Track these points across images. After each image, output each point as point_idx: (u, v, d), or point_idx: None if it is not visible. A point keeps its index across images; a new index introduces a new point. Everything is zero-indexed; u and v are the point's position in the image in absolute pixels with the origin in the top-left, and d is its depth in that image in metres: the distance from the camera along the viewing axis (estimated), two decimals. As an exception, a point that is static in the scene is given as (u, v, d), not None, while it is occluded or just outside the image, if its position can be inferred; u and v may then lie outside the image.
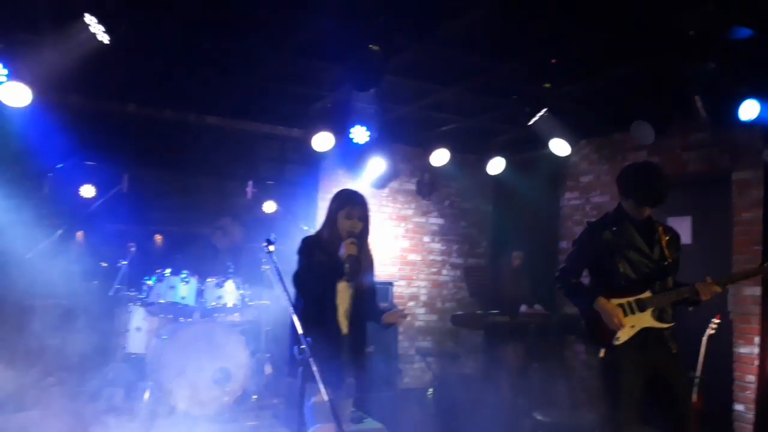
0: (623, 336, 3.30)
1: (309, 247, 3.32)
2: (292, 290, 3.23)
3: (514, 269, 6.44)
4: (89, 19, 3.82)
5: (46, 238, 4.94)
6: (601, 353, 3.34)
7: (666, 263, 3.41)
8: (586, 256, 3.48)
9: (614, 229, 3.44)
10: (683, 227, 5.73)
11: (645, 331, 3.31)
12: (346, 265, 3.16)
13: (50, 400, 4.92)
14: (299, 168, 6.60)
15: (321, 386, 2.64)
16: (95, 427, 4.49)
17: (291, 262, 4.06)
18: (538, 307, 6.15)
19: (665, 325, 3.34)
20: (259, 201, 6.24)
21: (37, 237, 5.19)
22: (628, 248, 3.41)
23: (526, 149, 6.69)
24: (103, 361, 5.35)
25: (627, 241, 3.42)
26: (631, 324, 3.31)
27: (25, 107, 4.77)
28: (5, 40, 4.46)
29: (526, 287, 6.34)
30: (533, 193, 7.04)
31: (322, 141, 5.80)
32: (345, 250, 3.19)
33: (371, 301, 3.48)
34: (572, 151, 5.75)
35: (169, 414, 5.03)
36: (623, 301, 3.34)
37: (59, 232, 4.95)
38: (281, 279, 2.99)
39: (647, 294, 3.35)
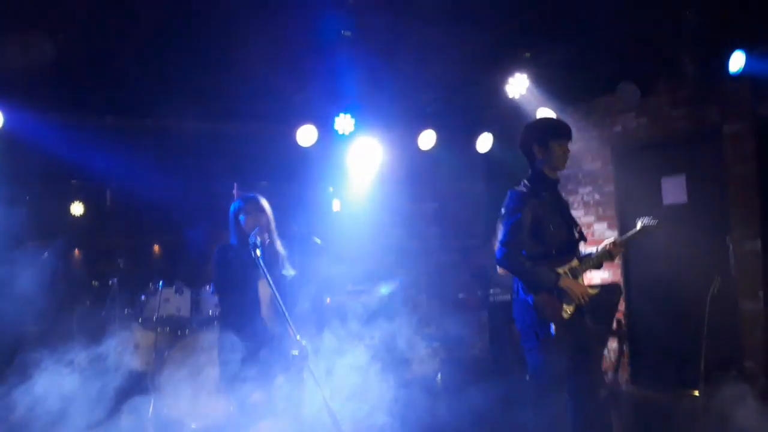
0: (570, 309, 3.25)
1: (222, 252, 3.60)
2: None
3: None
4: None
5: (32, 262, 4.90)
6: (553, 329, 3.21)
7: (579, 228, 3.43)
8: (525, 227, 3.31)
9: (543, 194, 3.38)
10: (678, 186, 5.73)
11: None
12: (258, 253, 3.22)
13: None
14: (287, 165, 6.56)
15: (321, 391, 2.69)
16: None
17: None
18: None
19: (594, 291, 3.33)
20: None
21: (22, 260, 5.19)
22: (554, 214, 3.36)
23: (513, 122, 6.63)
24: (104, 381, 5.35)
25: (553, 206, 3.37)
26: None
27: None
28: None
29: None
30: (525, 166, 7.00)
31: (306, 135, 5.80)
32: (254, 239, 3.30)
33: (290, 292, 3.63)
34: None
35: (176, 428, 5.07)
36: (561, 270, 3.29)
37: (45, 254, 4.93)
38: (268, 279, 3.05)
39: (576, 261, 3.35)
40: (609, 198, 6.35)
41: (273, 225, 3.65)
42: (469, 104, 6.50)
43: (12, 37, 4.21)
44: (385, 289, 6.15)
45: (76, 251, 5.69)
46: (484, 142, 6.63)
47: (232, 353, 3.35)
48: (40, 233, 5.52)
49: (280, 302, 2.90)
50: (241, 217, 3.60)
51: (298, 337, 2.94)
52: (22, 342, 5.48)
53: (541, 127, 3.53)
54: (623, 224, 5.93)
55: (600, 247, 3.42)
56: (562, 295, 3.23)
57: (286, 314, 2.86)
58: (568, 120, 6.47)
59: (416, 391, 6.38)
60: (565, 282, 3.23)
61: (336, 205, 6.65)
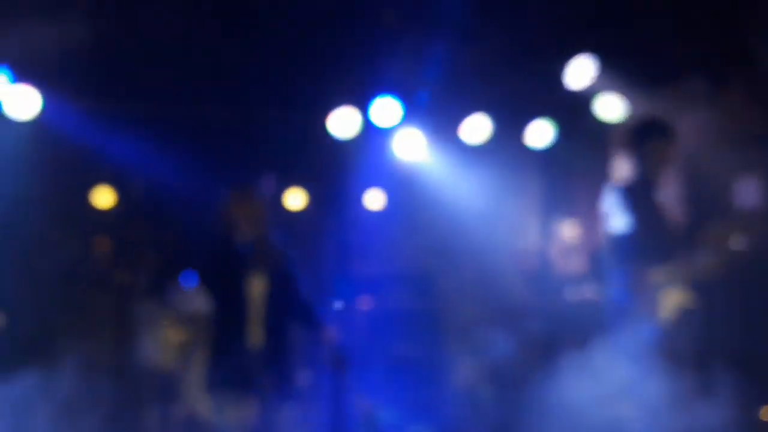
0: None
1: (210, 246, 3.38)
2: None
3: (565, 248, 6.11)
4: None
5: (61, 252, 4.93)
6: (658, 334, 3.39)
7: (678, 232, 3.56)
8: (642, 225, 3.39)
9: (648, 194, 3.46)
10: (750, 189, 5.37)
11: None
12: (245, 246, 3.07)
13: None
14: (325, 158, 6.43)
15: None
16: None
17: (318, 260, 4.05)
18: (588, 289, 5.80)
19: None
20: (283, 197, 6.18)
21: (54, 252, 5.23)
22: (660, 215, 3.46)
23: (574, 113, 6.39)
24: (133, 378, 5.34)
25: (655, 208, 3.46)
26: None
27: (35, 118, 4.83)
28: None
29: (579, 267, 6.02)
30: (585, 162, 6.70)
31: (346, 124, 5.61)
32: (242, 233, 3.12)
33: (292, 296, 3.27)
34: (622, 111, 5.49)
35: (204, 428, 5.01)
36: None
37: (78, 245, 4.97)
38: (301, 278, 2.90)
39: (677, 267, 3.47)
40: (675, 199, 6.02)
41: (267, 217, 3.38)
42: (524, 93, 6.22)
43: (46, 21, 4.23)
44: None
45: (106, 243, 5.69)
46: (541, 135, 6.33)
47: (220, 357, 3.14)
48: (70, 223, 5.57)
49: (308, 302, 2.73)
50: (231, 208, 3.33)
51: (331, 340, 2.80)
52: (49, 334, 5.52)
53: (643, 126, 3.59)
54: (691, 228, 5.61)
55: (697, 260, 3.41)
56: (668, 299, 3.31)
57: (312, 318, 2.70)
58: (633, 111, 6.30)
59: (458, 402, 6.21)
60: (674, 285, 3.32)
61: (374, 202, 6.50)
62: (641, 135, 3.53)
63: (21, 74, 4.67)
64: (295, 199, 6.23)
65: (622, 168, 3.66)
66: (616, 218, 3.43)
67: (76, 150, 5.25)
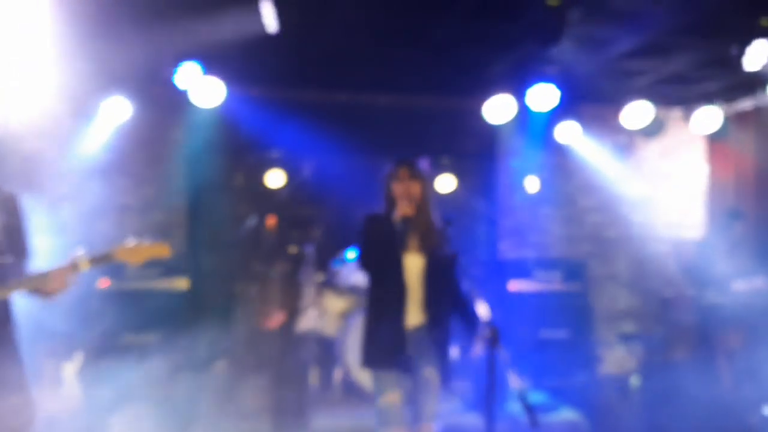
0: None
1: (368, 223, 3.24)
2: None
3: (733, 239, 5.75)
4: (265, 6, 4.12)
5: (241, 227, 5.44)
6: None
7: None
8: None
9: None
10: None
11: None
12: (405, 224, 3.00)
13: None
14: (478, 142, 6.50)
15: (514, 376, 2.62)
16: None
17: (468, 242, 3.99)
18: (759, 281, 5.42)
19: None
20: (435, 180, 6.34)
21: (233, 226, 5.81)
22: None
23: (743, 98, 5.93)
24: (298, 341, 5.79)
25: None
26: None
27: (218, 107, 5.30)
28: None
29: (747, 259, 5.64)
30: (754, 148, 6.22)
31: (500, 110, 5.64)
32: (398, 211, 3.05)
33: (451, 280, 3.19)
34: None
35: (362, 395, 5.34)
36: None
37: (253, 220, 5.46)
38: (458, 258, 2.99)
39: None
40: None
41: (430, 196, 3.28)
42: (690, 75, 5.88)
43: (230, 18, 4.58)
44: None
45: (276, 219, 6.19)
46: (708, 119, 5.97)
47: (377, 331, 3.16)
48: (247, 202, 6.12)
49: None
50: (391, 183, 3.26)
51: (486, 319, 2.81)
52: (228, 299, 6.15)
53: None
54: None
55: None
56: None
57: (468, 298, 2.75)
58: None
59: (608, 391, 6.10)
60: None
61: (529, 187, 6.47)
62: None
63: (209, 66, 5.10)
64: (448, 182, 6.35)
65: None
66: None
67: (253, 135, 5.71)
